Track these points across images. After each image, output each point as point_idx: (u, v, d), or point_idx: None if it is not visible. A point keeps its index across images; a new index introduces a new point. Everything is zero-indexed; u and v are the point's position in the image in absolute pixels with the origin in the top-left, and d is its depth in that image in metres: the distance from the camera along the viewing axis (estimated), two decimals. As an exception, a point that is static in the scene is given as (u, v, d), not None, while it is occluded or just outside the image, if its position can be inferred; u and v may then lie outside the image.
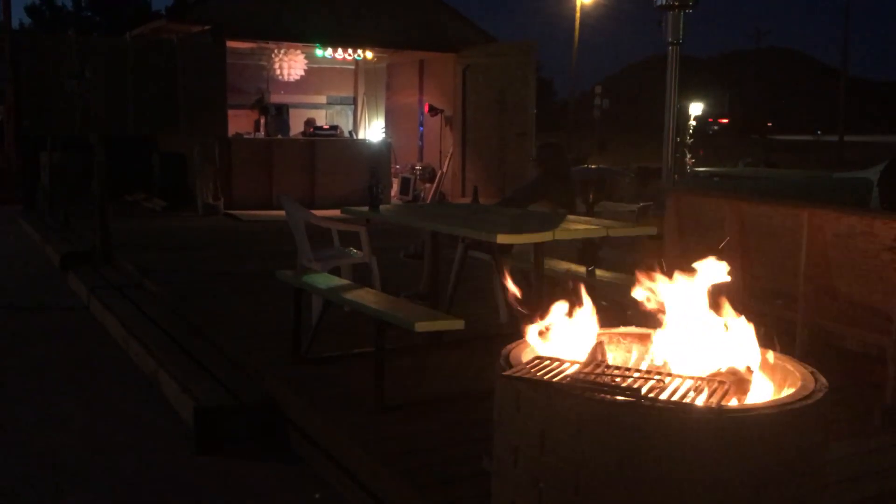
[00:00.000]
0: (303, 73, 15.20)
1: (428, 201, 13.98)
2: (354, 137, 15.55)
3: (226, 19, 13.20)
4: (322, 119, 15.92)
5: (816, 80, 59.11)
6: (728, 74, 56.58)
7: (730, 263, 2.68)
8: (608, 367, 2.55)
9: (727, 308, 2.61)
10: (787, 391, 2.49)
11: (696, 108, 24.88)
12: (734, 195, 5.75)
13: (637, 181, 14.85)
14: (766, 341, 2.68)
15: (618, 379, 2.43)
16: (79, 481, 4.02)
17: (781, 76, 60.79)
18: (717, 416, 2.24)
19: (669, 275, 2.64)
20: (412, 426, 4.01)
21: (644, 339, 2.83)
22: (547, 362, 2.56)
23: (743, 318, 2.60)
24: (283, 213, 6.25)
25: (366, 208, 5.39)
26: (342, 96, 16.64)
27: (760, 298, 4.68)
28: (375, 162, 13.71)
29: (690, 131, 21.46)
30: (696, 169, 16.25)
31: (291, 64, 15.00)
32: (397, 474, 3.50)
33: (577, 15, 41.37)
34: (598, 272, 5.26)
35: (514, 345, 2.77)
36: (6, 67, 15.72)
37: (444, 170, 14.88)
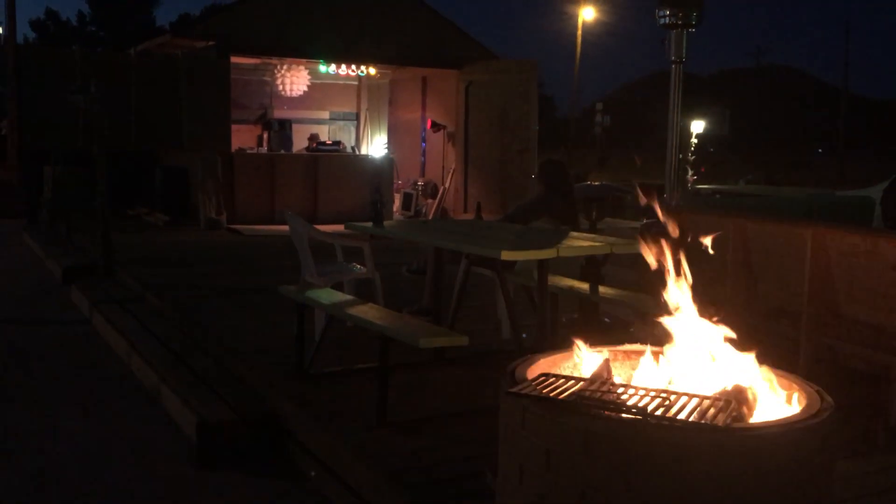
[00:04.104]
0: (306, 88, 15.26)
1: (430, 217, 13.99)
2: (357, 153, 15.59)
3: (230, 35, 13.26)
4: (325, 134, 15.97)
5: (817, 98, 59.25)
6: (728, 92, 56.72)
7: (733, 281, 2.68)
8: (614, 384, 2.55)
9: (733, 326, 2.61)
10: (793, 410, 2.49)
11: (697, 126, 24.96)
12: (737, 213, 5.76)
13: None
14: (770, 360, 2.68)
15: (623, 396, 2.43)
16: (80, 496, 4.01)
17: (781, 94, 60.93)
18: (723, 435, 2.24)
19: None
20: (415, 442, 4.00)
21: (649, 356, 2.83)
22: (552, 379, 2.56)
23: (748, 336, 2.60)
24: (285, 227, 6.26)
25: (369, 224, 5.39)
26: (345, 112, 16.68)
27: (764, 317, 4.67)
28: (378, 177, 13.73)
29: (692, 149, 21.51)
30: (698, 186, 16.28)
31: (294, 79, 15.06)
32: (400, 490, 3.49)
33: (579, 32, 41.57)
34: (601, 289, 5.26)
35: (519, 361, 2.77)
36: (10, 81, 15.80)
37: (447, 186, 14.90)
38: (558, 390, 2.46)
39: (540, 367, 2.75)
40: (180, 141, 14.10)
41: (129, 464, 4.36)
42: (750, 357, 2.57)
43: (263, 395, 4.87)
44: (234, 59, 13.52)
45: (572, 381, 2.55)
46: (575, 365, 2.78)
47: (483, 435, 3.75)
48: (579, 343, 2.72)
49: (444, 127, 15.04)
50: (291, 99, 15.36)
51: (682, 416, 2.29)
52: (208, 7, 39.47)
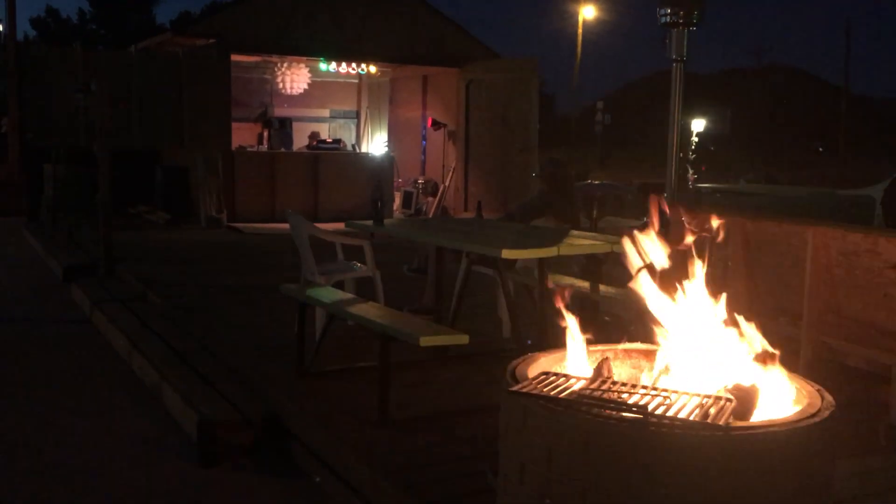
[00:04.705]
0: (306, 86, 15.26)
1: (430, 215, 13.99)
2: (357, 151, 15.59)
3: (230, 33, 13.26)
4: (325, 132, 15.97)
5: (818, 97, 59.20)
6: (729, 91, 56.66)
7: (734, 280, 2.69)
8: (614, 383, 2.55)
9: (734, 325, 2.61)
10: (794, 409, 2.49)
11: (698, 125, 24.98)
12: (738, 212, 5.76)
13: (640, 197, 14.86)
14: (771, 359, 2.67)
15: (624, 395, 2.44)
16: (81, 494, 4.01)
17: (782, 93, 60.89)
18: (724, 434, 2.24)
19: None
20: (416, 441, 4.00)
21: (650, 355, 2.83)
22: (553, 378, 2.56)
23: (749, 334, 2.60)
24: (286, 226, 6.26)
25: (370, 222, 5.40)
26: (345, 110, 16.69)
27: (764, 315, 4.67)
28: (378, 176, 13.73)
29: (693, 147, 21.53)
30: (699, 185, 16.29)
31: (295, 77, 15.06)
32: (401, 489, 3.49)
33: (580, 31, 41.56)
34: (602, 287, 5.27)
35: (519, 360, 2.77)
36: (11, 79, 15.80)
37: (447, 184, 14.90)
38: (559, 389, 2.46)
39: (541, 365, 2.75)
40: (181, 139, 14.12)
41: (130, 462, 4.36)
42: (751, 356, 2.57)
43: (264, 393, 4.87)
44: (235, 58, 13.51)
45: (573, 380, 2.55)
46: (575, 364, 2.78)
47: (484, 434, 3.76)
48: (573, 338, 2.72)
49: (445, 125, 15.05)
50: (292, 97, 15.36)
51: (682, 415, 2.30)
52: (209, 5, 39.48)
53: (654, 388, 2.50)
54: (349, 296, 5.23)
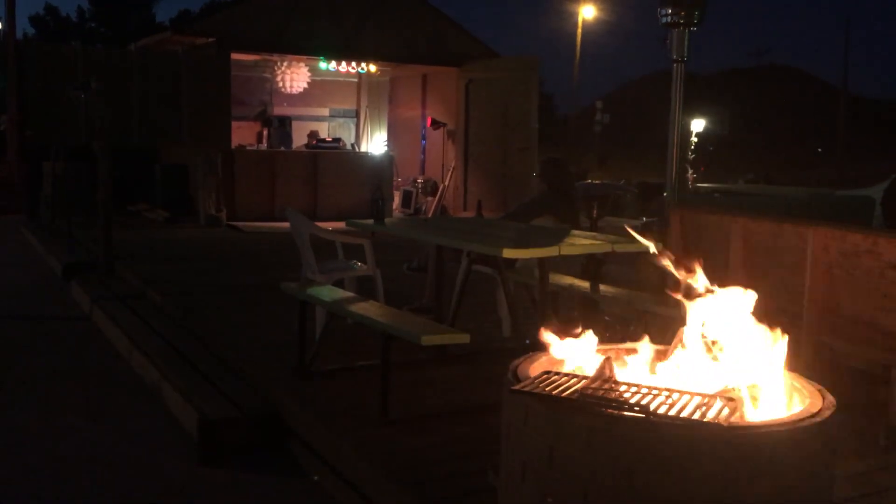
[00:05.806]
0: (306, 85, 15.26)
1: (430, 215, 13.99)
2: (357, 150, 15.59)
3: (230, 31, 13.26)
4: (324, 131, 15.97)
5: (817, 98, 59.24)
6: (728, 91, 56.69)
7: (734, 281, 2.69)
8: (616, 382, 2.56)
9: (737, 323, 2.62)
10: (795, 409, 2.49)
11: (697, 125, 24.98)
12: (738, 212, 5.77)
13: (639, 197, 14.90)
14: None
15: (626, 394, 2.44)
16: (81, 493, 4.01)
17: (781, 93, 60.90)
18: (726, 434, 2.25)
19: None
20: (417, 440, 4.00)
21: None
22: (555, 377, 2.57)
23: (753, 333, 2.61)
24: (285, 224, 6.27)
25: (371, 221, 5.40)
26: (345, 109, 16.69)
27: (764, 315, 4.67)
28: (378, 175, 13.74)
29: (692, 147, 21.53)
30: (698, 185, 16.31)
31: (295, 76, 15.06)
32: (402, 488, 3.50)
33: (579, 31, 41.54)
34: (602, 287, 5.27)
35: (521, 359, 2.78)
36: (10, 77, 15.79)
37: (447, 183, 14.90)
38: (561, 388, 2.47)
39: (542, 364, 2.75)
40: (180, 137, 14.11)
41: (131, 460, 4.36)
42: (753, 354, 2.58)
43: (265, 391, 4.87)
44: (235, 56, 13.51)
45: (575, 379, 2.55)
46: (577, 363, 2.79)
47: (485, 433, 3.77)
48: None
49: (445, 125, 15.05)
50: (291, 96, 15.36)
51: (684, 414, 2.30)
52: (208, 4, 39.45)
53: (657, 387, 2.50)
54: (349, 294, 5.24)
